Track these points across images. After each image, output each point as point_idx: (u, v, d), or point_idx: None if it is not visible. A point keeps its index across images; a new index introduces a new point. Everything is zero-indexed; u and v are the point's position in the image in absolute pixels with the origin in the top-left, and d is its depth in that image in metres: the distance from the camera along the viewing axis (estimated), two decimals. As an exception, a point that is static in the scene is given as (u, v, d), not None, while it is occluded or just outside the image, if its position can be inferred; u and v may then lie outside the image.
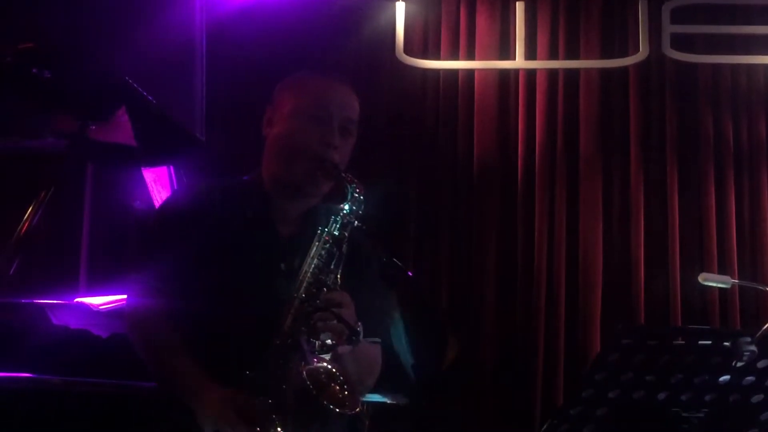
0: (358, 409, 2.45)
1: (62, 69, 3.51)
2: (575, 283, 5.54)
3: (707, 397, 2.75)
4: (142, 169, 3.96)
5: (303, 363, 2.45)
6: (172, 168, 4.05)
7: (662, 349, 2.67)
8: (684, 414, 2.75)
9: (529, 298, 5.53)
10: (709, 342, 2.70)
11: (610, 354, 2.66)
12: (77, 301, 3.71)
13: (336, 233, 2.59)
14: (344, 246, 2.60)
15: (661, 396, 2.72)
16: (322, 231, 2.60)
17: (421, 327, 4.22)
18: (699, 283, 4.03)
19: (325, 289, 2.54)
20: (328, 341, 2.49)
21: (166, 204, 2.87)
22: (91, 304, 3.60)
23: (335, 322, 2.48)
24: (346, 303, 2.53)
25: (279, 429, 2.42)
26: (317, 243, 2.58)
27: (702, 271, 4.68)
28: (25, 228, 3.36)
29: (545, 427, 2.75)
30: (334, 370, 2.45)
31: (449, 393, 5.11)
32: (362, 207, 2.63)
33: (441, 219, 5.69)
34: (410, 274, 4.53)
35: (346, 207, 2.62)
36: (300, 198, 2.72)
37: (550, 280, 5.54)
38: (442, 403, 5.19)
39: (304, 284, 2.54)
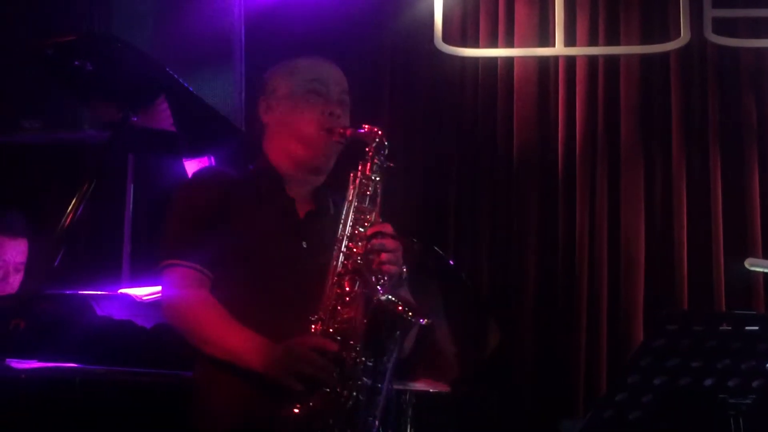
0: (425, 320, 2.52)
1: (103, 61, 3.54)
2: (617, 270, 5.49)
3: (755, 383, 2.73)
4: (183, 159, 3.98)
5: (372, 295, 2.53)
6: (212, 158, 4.06)
7: (708, 334, 2.65)
8: (731, 400, 2.73)
9: (571, 285, 5.49)
10: (756, 327, 2.67)
11: (656, 340, 2.64)
12: (121, 292, 3.74)
13: (369, 174, 2.68)
14: (378, 184, 2.68)
15: (708, 382, 2.70)
16: (355, 174, 2.69)
17: (462, 315, 4.21)
18: (743, 268, 3.98)
19: (367, 224, 2.64)
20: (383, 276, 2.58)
21: (197, 177, 2.91)
22: (135, 295, 3.63)
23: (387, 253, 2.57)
24: (392, 232, 2.61)
25: (356, 357, 2.49)
26: (352, 186, 2.68)
27: (746, 256, 4.62)
28: (68, 220, 3.39)
29: (591, 413, 2.74)
30: (393, 298, 2.53)
31: (492, 381, 5.10)
32: (386, 146, 2.71)
33: (481, 207, 5.67)
34: (451, 262, 4.52)
35: (372, 149, 2.70)
36: (312, 175, 2.83)
37: (592, 267, 5.50)
38: (484, 390, 5.18)
39: (348, 224, 2.63)
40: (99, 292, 3.62)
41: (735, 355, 2.67)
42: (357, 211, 2.64)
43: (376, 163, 2.68)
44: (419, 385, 3.97)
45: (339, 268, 2.58)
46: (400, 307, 2.50)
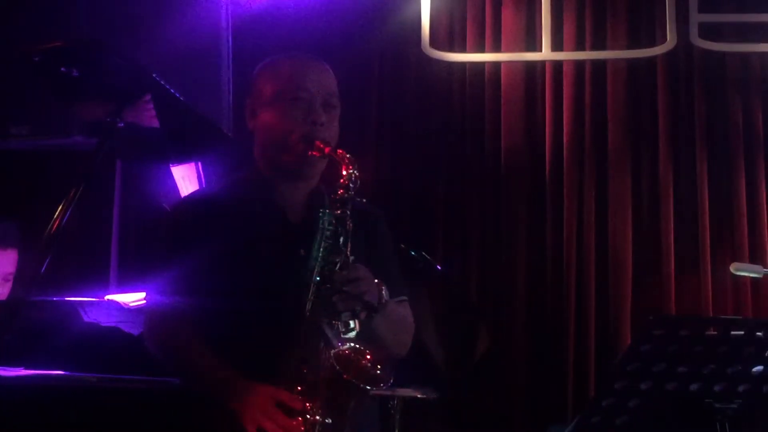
0: (384, 385, 2.49)
1: (90, 67, 3.52)
2: (605, 275, 5.51)
3: (740, 388, 2.73)
4: (170, 165, 3.97)
5: (330, 348, 2.49)
6: (200, 164, 4.05)
7: (695, 339, 2.65)
8: (717, 405, 2.73)
9: (559, 291, 5.51)
10: (742, 332, 2.68)
11: (643, 345, 2.65)
12: (108, 299, 3.73)
13: (338, 211, 2.62)
14: (348, 222, 2.62)
15: (694, 387, 2.71)
16: (323, 212, 2.63)
17: (451, 320, 4.21)
18: (730, 273, 3.99)
19: (338, 269, 2.57)
20: (351, 322, 2.54)
21: (177, 206, 2.91)
22: (122, 302, 3.62)
23: (353, 299, 2.53)
24: (362, 275, 2.56)
25: (318, 418, 2.46)
26: (321, 225, 2.62)
27: (733, 261, 4.63)
28: (55, 226, 3.37)
29: (577, 419, 2.74)
30: (360, 347, 2.50)
31: (480, 386, 5.10)
32: (357, 181, 2.64)
33: (469, 212, 5.67)
34: (439, 267, 4.52)
35: (343, 183, 2.64)
36: (300, 181, 2.77)
37: (579, 272, 5.51)
38: (472, 396, 5.18)
39: (317, 268, 2.57)
40: (85, 299, 3.61)
41: (721, 359, 2.67)
42: (325, 251, 2.59)
43: (345, 198, 2.62)
44: (406, 391, 3.96)
45: (308, 314, 2.54)
46: (355, 369, 2.46)
